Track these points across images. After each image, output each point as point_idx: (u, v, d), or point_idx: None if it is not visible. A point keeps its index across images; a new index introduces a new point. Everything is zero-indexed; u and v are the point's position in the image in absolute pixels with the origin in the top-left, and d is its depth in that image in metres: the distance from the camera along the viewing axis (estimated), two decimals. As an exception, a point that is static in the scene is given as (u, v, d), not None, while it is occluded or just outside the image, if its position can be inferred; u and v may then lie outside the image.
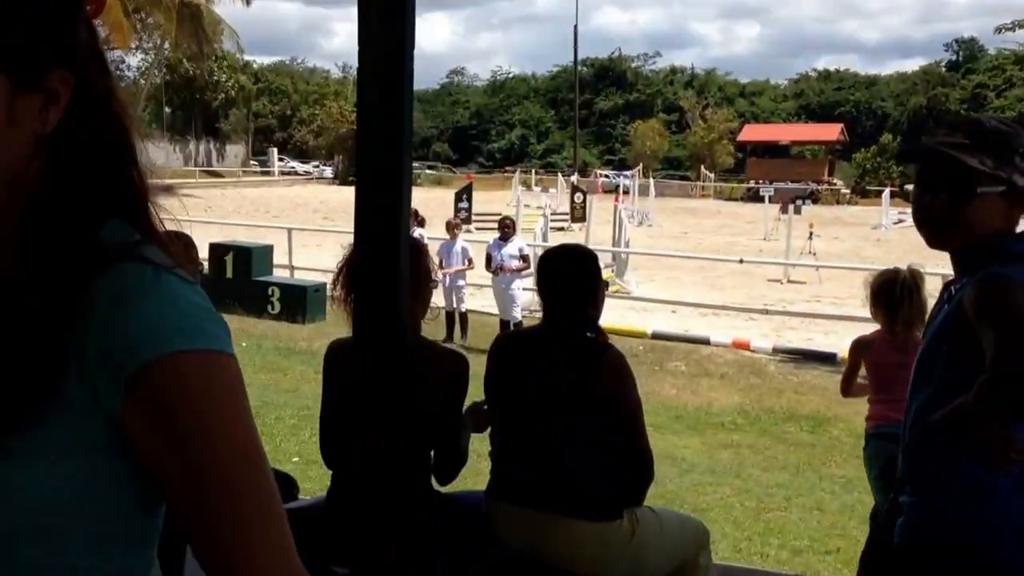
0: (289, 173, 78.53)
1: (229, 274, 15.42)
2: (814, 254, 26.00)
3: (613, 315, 17.92)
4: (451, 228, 14.45)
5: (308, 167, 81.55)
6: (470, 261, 14.46)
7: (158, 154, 70.99)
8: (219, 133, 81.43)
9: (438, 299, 14.88)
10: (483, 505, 3.45)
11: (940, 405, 2.31)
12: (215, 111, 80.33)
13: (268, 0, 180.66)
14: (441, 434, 3.29)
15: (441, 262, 14.41)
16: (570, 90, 79.40)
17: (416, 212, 15.03)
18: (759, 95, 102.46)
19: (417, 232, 14.71)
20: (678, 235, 38.76)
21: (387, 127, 2.77)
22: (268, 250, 16.42)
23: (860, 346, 5.53)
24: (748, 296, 21.48)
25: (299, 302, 15.23)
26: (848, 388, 5.69)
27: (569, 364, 3.29)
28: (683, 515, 4.24)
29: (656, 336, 15.43)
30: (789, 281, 23.70)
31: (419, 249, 3.35)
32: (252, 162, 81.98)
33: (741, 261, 18.68)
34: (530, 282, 18.26)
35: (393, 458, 3.14)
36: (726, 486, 8.70)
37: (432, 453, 3.42)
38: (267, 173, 77.13)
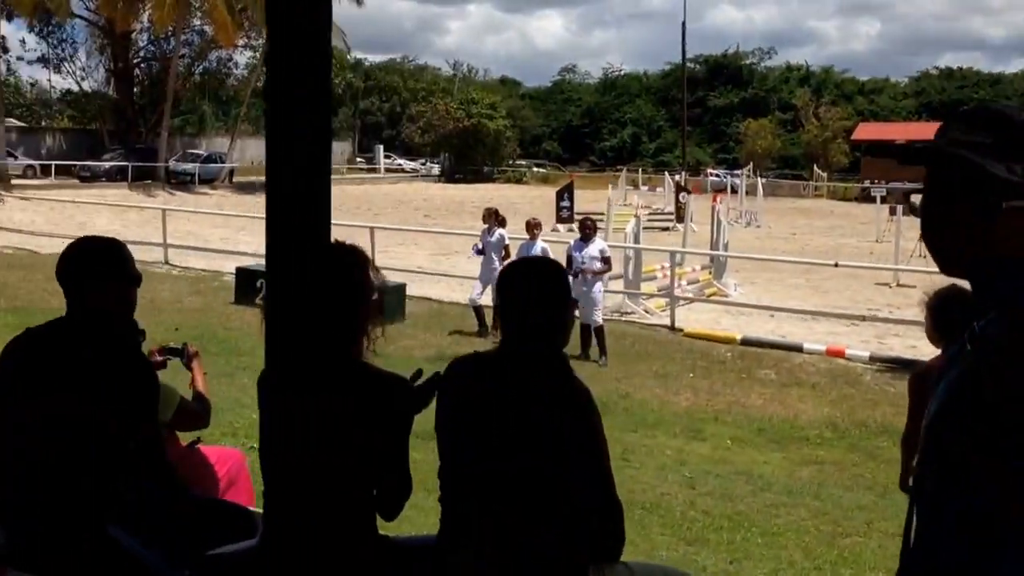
0: (395, 170, 79.03)
1: (307, 272, 15.22)
2: (925, 256, 24.85)
3: (705, 318, 17.35)
4: (531, 228, 14.01)
5: (415, 164, 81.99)
6: (549, 261, 14.06)
7: (264, 150, 71.98)
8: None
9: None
10: (434, 553, 3.01)
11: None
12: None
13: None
14: (383, 466, 2.84)
15: (522, 262, 14.05)
16: (681, 89, 78.26)
17: (496, 212, 14.68)
18: (878, 93, 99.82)
19: (498, 233, 14.34)
20: (786, 236, 37.76)
21: (302, 135, 2.38)
22: (349, 249, 16.22)
23: (922, 380, 4.73)
24: (852, 300, 20.63)
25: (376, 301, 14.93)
26: (916, 439, 4.98)
27: (526, 398, 2.82)
28: (667, 569, 3.77)
29: (746, 342, 14.76)
30: (898, 285, 22.70)
31: (349, 263, 2.91)
32: (358, 159, 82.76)
33: (836, 265, 17.83)
34: (616, 284, 17.77)
35: (327, 498, 2.73)
36: (802, 507, 8.10)
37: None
38: (373, 170, 77.72)
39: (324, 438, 2.76)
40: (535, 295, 2.90)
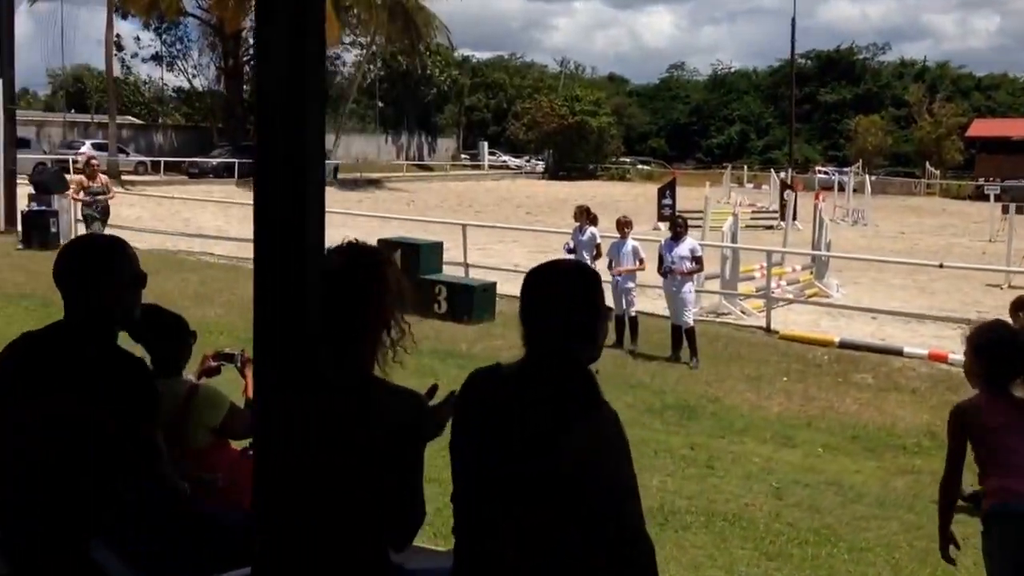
0: (499, 167, 79.17)
1: (398, 271, 15.17)
2: (1041, 257, 23.94)
3: (804, 320, 16.87)
4: (621, 226, 13.71)
5: (519, 161, 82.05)
6: (641, 261, 13.72)
7: (369, 147, 73.00)
8: (431, 127, 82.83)
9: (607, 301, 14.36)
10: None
11: None
12: (428, 105, 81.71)
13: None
14: (392, 491, 2.62)
15: (611, 262, 13.75)
16: (789, 85, 76.92)
17: (588, 210, 14.44)
18: (995, 89, 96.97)
19: (589, 231, 14.11)
20: (894, 235, 36.77)
21: (288, 138, 2.21)
22: (437, 247, 16.10)
23: (963, 416, 4.61)
24: (960, 303, 19.90)
25: (466, 302, 14.81)
26: (956, 483, 4.65)
27: (542, 425, 2.58)
28: None
29: (843, 345, 14.26)
30: (1010, 287, 21.83)
31: (365, 264, 2.71)
32: (463, 156, 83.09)
33: (941, 266, 17.11)
34: (712, 284, 17.39)
35: (327, 524, 2.55)
36: (894, 520, 7.72)
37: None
38: (477, 167, 77.96)
39: (322, 460, 2.58)
40: (556, 299, 2.67)
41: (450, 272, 16.90)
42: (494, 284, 15.61)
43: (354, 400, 2.58)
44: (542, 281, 2.75)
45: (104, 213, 20.39)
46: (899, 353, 13.84)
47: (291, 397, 2.59)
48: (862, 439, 10.09)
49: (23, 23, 71.11)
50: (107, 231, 24.04)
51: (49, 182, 22.44)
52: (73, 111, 70.42)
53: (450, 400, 2.86)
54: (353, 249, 2.69)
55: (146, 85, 68.87)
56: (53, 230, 20.86)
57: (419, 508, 2.64)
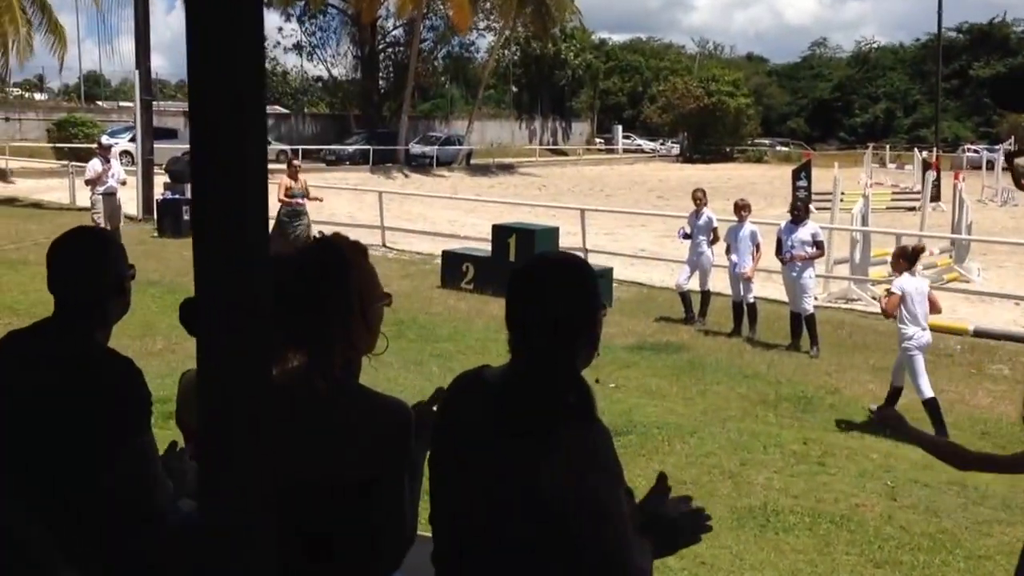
0: (633, 151, 78.40)
1: (512, 257, 14.97)
2: None
3: (943, 306, 15.95)
4: (739, 210, 13.23)
5: (653, 144, 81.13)
6: (758, 247, 13.21)
7: (503, 133, 73.06)
8: (565, 111, 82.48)
9: (723, 287, 13.87)
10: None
11: None
12: (562, 90, 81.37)
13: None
14: (376, 510, 2.35)
15: (729, 247, 13.30)
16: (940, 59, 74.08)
17: (704, 193, 13.99)
18: None
19: (706, 215, 13.69)
20: (1046, 216, 35.02)
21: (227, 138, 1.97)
22: (553, 232, 15.82)
23: None
24: (1115, 288, 18.73)
25: (581, 287, 14.54)
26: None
27: (524, 441, 2.29)
28: None
29: (979, 334, 13.49)
30: None
31: (334, 262, 2.45)
32: (597, 140, 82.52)
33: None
34: (842, 269, 16.70)
35: (305, 549, 2.31)
36: (1020, 525, 7.17)
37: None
38: (611, 151, 77.36)
39: (288, 480, 2.34)
40: (541, 296, 2.36)
41: (570, 259, 16.62)
42: (611, 270, 15.29)
43: (320, 413, 2.34)
44: (525, 277, 2.43)
45: (296, 216, 17.48)
46: (1040, 342, 13.04)
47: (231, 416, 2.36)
48: (992, 435, 9.48)
49: (179, 16, 73.19)
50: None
51: (184, 172, 22.91)
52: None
53: (437, 396, 2.61)
54: (315, 247, 2.46)
55: (291, 75, 70.12)
56: (186, 218, 21.29)
57: (402, 529, 2.39)
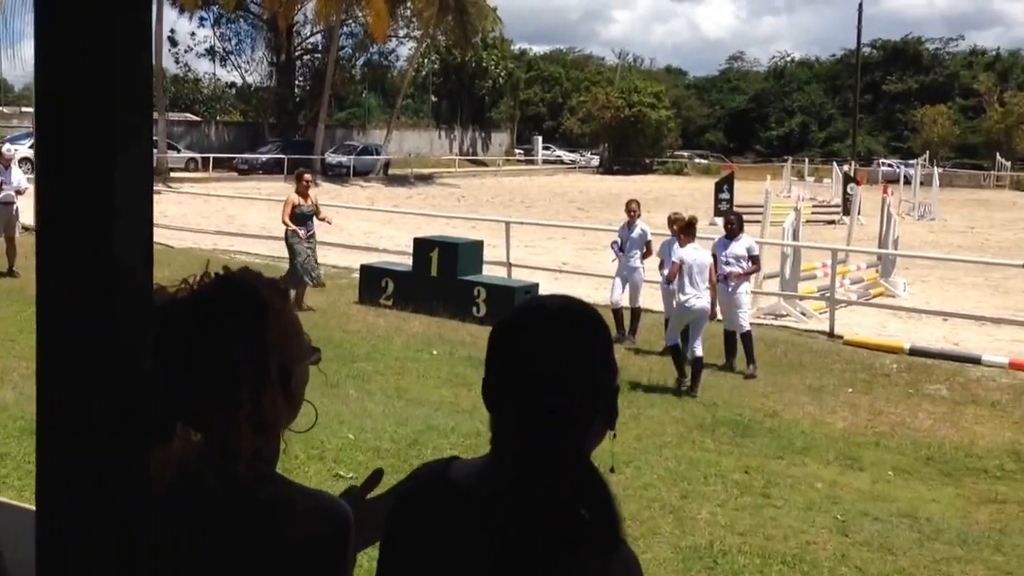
0: (553, 162, 78.18)
1: (434, 272, 14.31)
2: (1124, 255, 22.53)
3: (869, 322, 15.77)
4: (674, 225, 12.71)
5: (573, 156, 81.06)
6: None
7: (422, 143, 72.28)
8: (485, 122, 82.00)
9: (657, 303, 13.36)
10: None
11: None
12: (482, 100, 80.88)
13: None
14: None
15: (662, 262, 12.78)
16: (853, 75, 75.12)
17: (638, 204, 13.46)
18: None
19: (640, 227, 13.19)
20: (963, 230, 35.42)
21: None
22: (477, 246, 15.18)
23: None
24: (1038, 303, 18.67)
25: (506, 305, 13.82)
26: None
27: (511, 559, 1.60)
28: None
29: (915, 352, 13.16)
30: (1092, 286, 20.56)
31: (243, 308, 1.73)
32: (517, 151, 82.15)
33: None
34: (772, 284, 16.31)
35: None
36: (979, 563, 6.73)
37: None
38: (530, 162, 77.04)
39: None
40: (543, 363, 1.63)
41: (492, 272, 16.04)
42: (536, 285, 14.68)
43: (216, 524, 1.64)
44: (517, 336, 1.69)
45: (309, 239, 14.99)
46: (976, 361, 12.71)
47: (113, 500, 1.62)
48: (937, 461, 9.06)
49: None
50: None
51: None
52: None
53: (372, 481, 1.95)
54: (215, 287, 1.74)
55: (203, 82, 68.61)
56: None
57: None
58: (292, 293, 13.55)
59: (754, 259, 12.18)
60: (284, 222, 14.77)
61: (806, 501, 7.71)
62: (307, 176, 15.42)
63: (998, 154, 69.05)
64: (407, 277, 14.65)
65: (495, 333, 1.71)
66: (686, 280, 10.84)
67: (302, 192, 14.82)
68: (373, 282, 15.15)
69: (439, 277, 14.26)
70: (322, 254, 20.53)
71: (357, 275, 16.18)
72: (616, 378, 1.71)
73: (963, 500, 8.12)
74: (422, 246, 14.79)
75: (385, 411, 9.36)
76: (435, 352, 12.11)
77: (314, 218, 14.94)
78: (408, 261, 15.28)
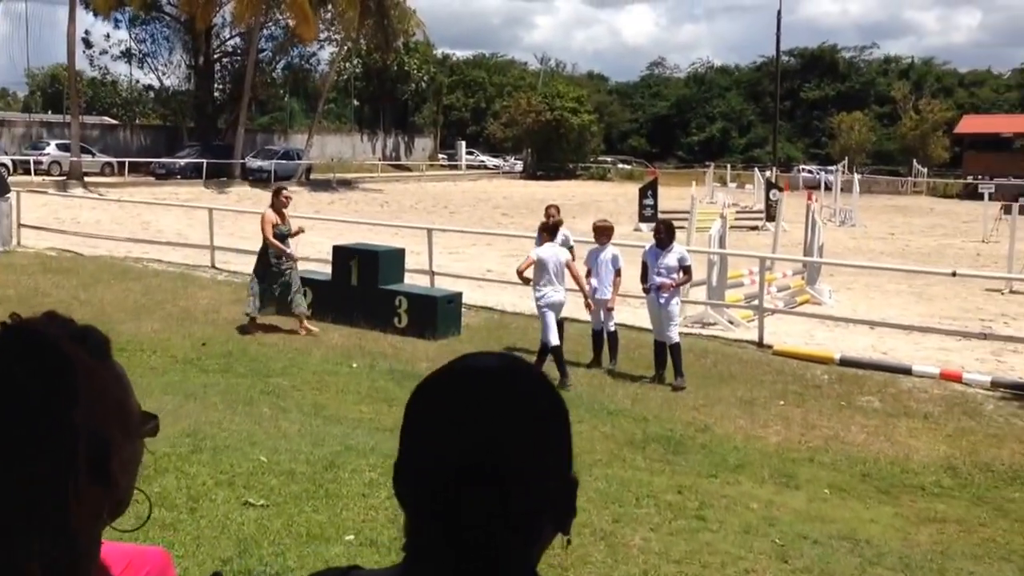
0: (477, 167, 77.82)
1: (354, 281, 13.78)
2: (1045, 261, 22.76)
3: (797, 330, 15.59)
4: (599, 232, 12.35)
5: (497, 161, 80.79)
6: (618, 273, 12.30)
7: (344, 147, 71.44)
8: (408, 126, 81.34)
9: (580, 313, 12.99)
10: None
11: None
12: (405, 104, 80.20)
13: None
14: None
15: (589, 271, 12.41)
16: (773, 81, 75.84)
17: (556, 210, 13.04)
18: (979, 85, 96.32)
19: (562, 234, 12.73)
20: (883, 236, 35.70)
21: None
22: (398, 254, 14.69)
23: None
24: (961, 309, 18.71)
25: (429, 315, 13.43)
26: None
27: None
28: None
29: (845, 363, 12.95)
30: (1011, 292, 20.69)
31: (43, 371, 1.27)
32: (440, 156, 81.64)
33: (954, 274, 15.72)
34: (699, 292, 16.05)
35: None
36: (924, 589, 6.44)
37: None
38: (454, 167, 76.60)
39: None
40: (471, 446, 1.21)
41: (414, 281, 15.57)
42: (460, 294, 14.26)
43: None
44: (441, 410, 1.27)
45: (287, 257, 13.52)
46: (907, 372, 12.52)
47: None
48: (873, 477, 8.81)
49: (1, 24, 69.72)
50: (61, 239, 22.64)
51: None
52: (50, 112, 68.94)
53: None
54: (4, 342, 1.27)
55: (121, 85, 67.06)
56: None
57: None
58: (300, 320, 13.03)
59: (686, 269, 11.79)
60: (271, 243, 13.23)
61: (742, 523, 7.38)
62: (286, 192, 13.91)
63: (915, 160, 70.16)
64: (326, 286, 14.12)
65: (411, 402, 1.29)
66: (543, 277, 11.49)
67: (278, 209, 13.46)
68: (291, 292, 14.59)
69: (359, 286, 13.74)
70: (241, 263, 19.92)
71: (275, 284, 15.60)
72: (571, 465, 1.30)
73: (902, 520, 7.86)
74: (342, 254, 14.25)
75: (301, 430, 8.85)
76: (355, 365, 11.62)
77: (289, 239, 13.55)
78: (328, 269, 14.74)
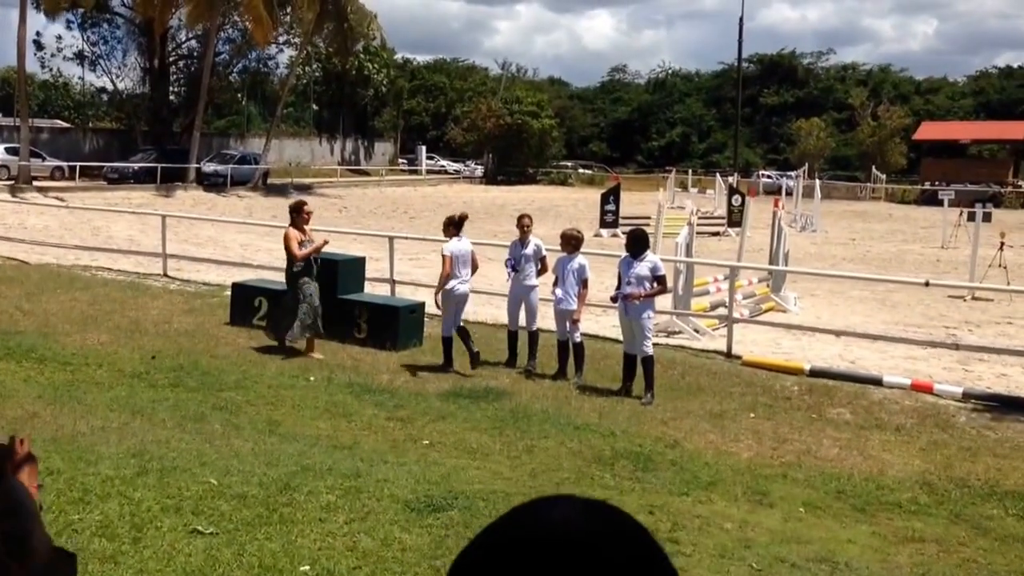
0: (438, 172, 77.38)
1: (311, 290, 13.39)
2: (1005, 267, 22.70)
3: (763, 339, 15.34)
4: (567, 241, 11.93)
5: (458, 166, 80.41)
6: (585, 283, 11.92)
7: (303, 152, 70.71)
8: (368, 130, 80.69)
9: (549, 323, 12.65)
10: None
11: None
12: (364, 108, 79.54)
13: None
14: None
15: (557, 280, 12.04)
16: (733, 87, 75.99)
17: (529, 220, 12.65)
18: (935, 92, 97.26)
19: (533, 243, 12.38)
20: (844, 241, 35.73)
21: None
22: (358, 263, 14.27)
23: None
24: (925, 316, 18.59)
25: (390, 325, 13.04)
26: None
27: None
28: None
29: (815, 373, 12.70)
30: (974, 298, 20.61)
31: None
32: (400, 160, 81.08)
33: (927, 284, 15.41)
34: (664, 301, 15.76)
35: None
36: (907, 615, 6.14)
37: None
38: (414, 172, 76.11)
39: None
40: None
41: (374, 290, 15.16)
42: (422, 304, 13.85)
43: None
44: None
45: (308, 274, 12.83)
46: (878, 383, 12.28)
47: None
48: (848, 494, 8.52)
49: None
50: (7, 246, 22.00)
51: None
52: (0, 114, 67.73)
53: None
54: None
55: (74, 87, 65.93)
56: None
57: None
58: (304, 341, 12.39)
59: (659, 279, 11.37)
60: (301, 255, 12.55)
61: (717, 546, 7.06)
62: (307, 207, 13.20)
63: (874, 167, 70.54)
64: (283, 296, 13.67)
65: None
66: (453, 269, 12.16)
67: (300, 226, 12.83)
68: (245, 302, 14.11)
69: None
70: (195, 270, 19.44)
71: (229, 293, 15.15)
72: None
73: (880, 539, 7.58)
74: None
75: (255, 449, 8.44)
76: (312, 379, 11.21)
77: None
78: (283, 278, 14.27)
